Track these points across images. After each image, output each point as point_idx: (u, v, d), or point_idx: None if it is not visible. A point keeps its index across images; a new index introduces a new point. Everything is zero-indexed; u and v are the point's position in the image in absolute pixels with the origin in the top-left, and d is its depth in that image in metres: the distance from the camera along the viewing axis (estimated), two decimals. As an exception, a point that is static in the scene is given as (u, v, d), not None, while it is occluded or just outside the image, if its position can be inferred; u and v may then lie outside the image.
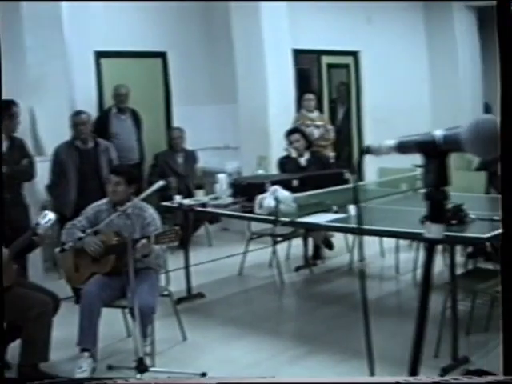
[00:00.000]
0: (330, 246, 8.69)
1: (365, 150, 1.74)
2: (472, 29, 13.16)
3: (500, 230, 5.28)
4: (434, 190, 1.53)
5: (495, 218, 5.70)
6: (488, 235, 5.23)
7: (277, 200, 6.12)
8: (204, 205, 7.11)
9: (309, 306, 7.03)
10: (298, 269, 8.12)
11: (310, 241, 8.31)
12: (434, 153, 1.52)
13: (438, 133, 1.51)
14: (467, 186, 7.80)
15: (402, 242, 8.02)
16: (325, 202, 6.37)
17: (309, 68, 11.69)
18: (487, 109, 13.60)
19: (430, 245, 1.58)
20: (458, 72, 12.82)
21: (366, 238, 8.22)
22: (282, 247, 8.25)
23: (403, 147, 1.66)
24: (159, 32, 10.21)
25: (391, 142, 1.69)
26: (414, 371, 1.64)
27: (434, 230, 1.56)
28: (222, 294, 7.42)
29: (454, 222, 5.49)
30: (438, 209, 1.55)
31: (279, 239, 7.95)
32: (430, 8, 12.89)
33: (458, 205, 5.64)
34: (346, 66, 11.95)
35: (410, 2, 12.55)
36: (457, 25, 12.88)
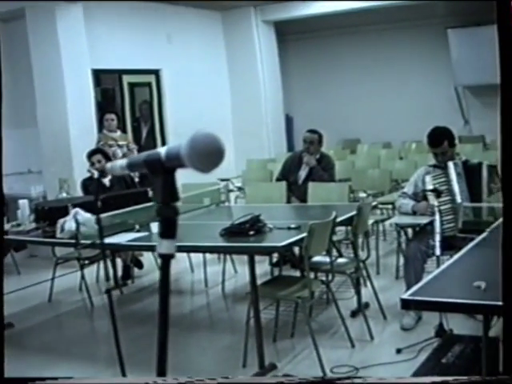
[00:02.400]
0: (139, 265, 8.68)
1: (100, 171, 1.77)
2: (271, 43, 13.55)
3: (295, 238, 5.48)
4: (164, 206, 1.57)
5: (292, 226, 5.89)
6: (283, 243, 5.36)
7: (77, 222, 6.04)
8: (5, 232, 6.90)
9: (119, 327, 6.93)
10: (107, 291, 8.02)
11: (120, 261, 8.24)
12: (161, 170, 1.56)
13: (163, 150, 1.55)
14: (269, 196, 8.02)
15: (209, 256, 8.13)
16: (127, 221, 6.34)
17: (112, 88, 11.66)
18: (288, 120, 14.02)
19: (164, 260, 1.62)
20: (259, 85, 13.17)
21: (176, 254, 8.26)
22: (91, 270, 8.15)
23: (133, 166, 1.70)
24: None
25: (123, 162, 1.72)
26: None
27: (165, 246, 1.60)
28: (32, 322, 7.22)
29: (251, 232, 5.61)
30: (169, 224, 1.59)
31: (86, 262, 7.83)
32: (229, 24, 13.17)
33: (255, 216, 5.78)
34: (148, 84, 12.02)
35: (209, 18, 12.78)
36: (256, 39, 13.22)
